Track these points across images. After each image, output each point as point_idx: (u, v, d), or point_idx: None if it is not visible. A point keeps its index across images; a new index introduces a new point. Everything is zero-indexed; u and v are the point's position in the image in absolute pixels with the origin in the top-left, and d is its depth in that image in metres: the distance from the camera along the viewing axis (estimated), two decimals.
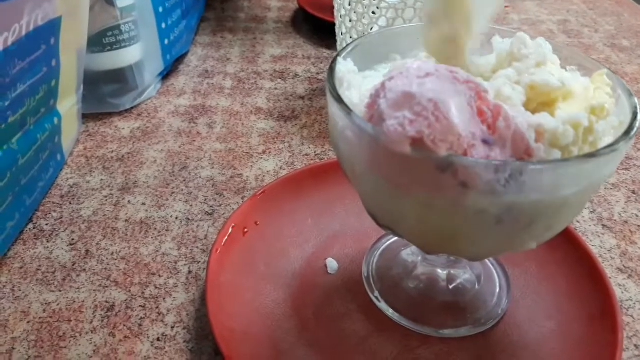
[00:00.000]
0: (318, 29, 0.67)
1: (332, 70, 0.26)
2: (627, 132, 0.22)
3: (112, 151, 0.45)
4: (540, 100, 0.22)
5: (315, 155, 0.46)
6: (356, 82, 0.26)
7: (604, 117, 0.22)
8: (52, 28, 0.37)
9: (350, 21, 0.49)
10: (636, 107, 0.24)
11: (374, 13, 0.47)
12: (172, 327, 0.31)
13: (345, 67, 0.27)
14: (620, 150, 0.22)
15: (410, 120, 0.20)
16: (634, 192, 0.43)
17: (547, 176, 0.20)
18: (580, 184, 0.21)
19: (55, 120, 0.41)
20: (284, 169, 0.44)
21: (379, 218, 0.27)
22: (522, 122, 0.21)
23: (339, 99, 0.23)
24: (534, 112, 0.22)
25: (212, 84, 0.56)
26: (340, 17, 0.50)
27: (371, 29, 0.48)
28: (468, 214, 0.21)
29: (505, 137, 0.20)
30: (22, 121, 0.35)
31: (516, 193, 0.20)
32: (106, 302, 0.33)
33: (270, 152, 0.46)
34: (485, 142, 0.20)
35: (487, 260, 0.35)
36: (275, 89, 0.55)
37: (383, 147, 0.21)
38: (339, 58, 0.27)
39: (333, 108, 0.24)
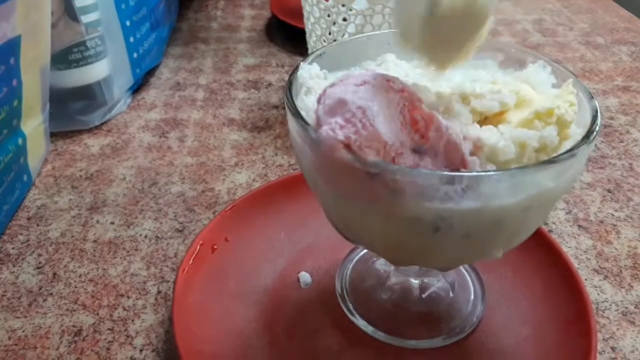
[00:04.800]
0: (292, 36, 0.67)
1: (292, 75, 0.26)
2: (587, 137, 0.22)
3: (81, 169, 0.45)
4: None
5: (289, 165, 0.45)
6: (317, 87, 0.26)
7: (551, 123, 0.22)
8: (10, 48, 0.36)
9: (320, 29, 0.48)
10: (596, 111, 0.23)
11: (344, 20, 0.47)
12: (141, 350, 0.30)
13: (307, 72, 0.26)
14: (580, 156, 0.21)
15: (340, 126, 0.20)
16: (609, 190, 0.43)
17: (484, 185, 0.20)
18: (527, 193, 0.21)
19: (20, 140, 0.40)
20: (257, 181, 0.43)
21: (340, 229, 0.26)
22: (457, 132, 0.20)
23: (291, 104, 0.23)
24: (482, 123, 0.22)
25: (184, 96, 0.55)
26: (310, 25, 0.49)
27: (343, 36, 0.48)
28: (403, 221, 0.21)
29: (436, 146, 0.20)
30: None
31: (446, 201, 0.20)
32: (73, 326, 0.32)
33: (242, 164, 0.45)
34: (415, 150, 0.20)
35: (460, 267, 0.34)
36: (249, 99, 0.55)
37: (321, 153, 0.21)
38: (302, 63, 0.27)
39: (288, 114, 0.24)
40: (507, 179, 0.20)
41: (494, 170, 0.21)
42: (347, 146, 0.20)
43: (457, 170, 0.21)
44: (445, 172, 0.20)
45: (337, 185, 0.23)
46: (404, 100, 0.21)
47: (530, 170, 0.21)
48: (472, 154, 0.21)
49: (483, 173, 0.20)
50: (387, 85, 0.21)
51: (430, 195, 0.20)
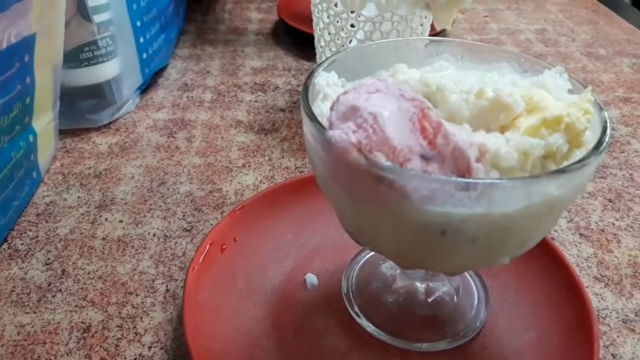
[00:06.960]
0: (298, 40, 0.67)
1: (308, 81, 0.26)
2: (597, 147, 0.23)
3: (90, 167, 0.45)
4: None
5: (296, 168, 0.46)
6: (334, 95, 0.26)
7: (559, 130, 0.22)
8: (26, 45, 0.37)
9: (329, 34, 0.49)
10: (606, 122, 0.24)
11: (352, 26, 0.48)
12: (150, 347, 0.31)
13: (324, 79, 0.27)
14: (589, 166, 0.22)
15: (352, 131, 0.21)
16: (610, 200, 0.44)
17: (493, 192, 0.20)
18: (535, 201, 0.21)
19: (31, 137, 0.40)
20: (264, 183, 0.44)
21: (352, 233, 0.27)
22: (464, 139, 0.21)
23: (307, 108, 0.24)
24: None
25: (192, 97, 0.56)
26: (319, 30, 0.50)
27: (350, 42, 0.49)
28: (411, 224, 0.22)
29: (444, 153, 0.21)
30: None
31: (452, 206, 0.21)
32: (82, 322, 0.32)
33: (250, 166, 0.46)
34: (423, 157, 0.21)
35: (465, 273, 0.35)
36: (256, 101, 0.55)
37: (334, 155, 0.22)
38: (319, 70, 0.27)
39: (304, 118, 0.24)
40: (519, 187, 0.21)
41: (506, 179, 0.21)
42: (358, 150, 0.21)
43: (464, 176, 0.21)
44: (460, 179, 0.20)
45: (349, 188, 0.23)
46: (415, 108, 0.22)
47: (541, 179, 0.21)
48: (477, 160, 0.22)
49: (496, 181, 0.21)
50: (398, 93, 0.22)
51: (436, 199, 0.20)
